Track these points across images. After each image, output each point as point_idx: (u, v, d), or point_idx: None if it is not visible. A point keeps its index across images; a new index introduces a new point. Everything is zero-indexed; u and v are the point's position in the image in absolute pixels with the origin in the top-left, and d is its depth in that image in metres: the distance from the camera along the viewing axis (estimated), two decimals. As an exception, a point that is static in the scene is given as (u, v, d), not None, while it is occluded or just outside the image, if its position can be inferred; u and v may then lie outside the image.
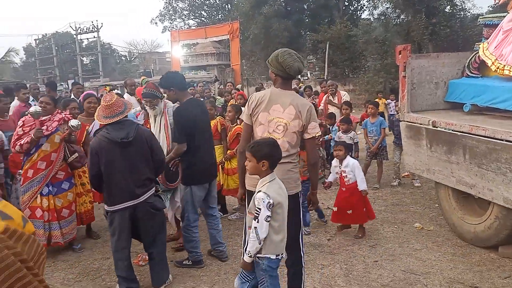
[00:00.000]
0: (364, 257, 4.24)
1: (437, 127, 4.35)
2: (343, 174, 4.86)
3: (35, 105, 4.96)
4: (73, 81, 19.09)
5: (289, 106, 2.96)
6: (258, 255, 2.70)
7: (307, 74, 34.63)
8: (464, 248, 4.34)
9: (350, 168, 4.79)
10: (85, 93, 5.75)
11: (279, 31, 26.70)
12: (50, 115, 4.50)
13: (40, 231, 4.30)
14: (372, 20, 28.08)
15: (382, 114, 9.83)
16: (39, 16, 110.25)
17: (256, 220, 2.62)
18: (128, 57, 55.54)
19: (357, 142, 6.89)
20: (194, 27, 38.04)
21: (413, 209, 5.68)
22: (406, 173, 6.93)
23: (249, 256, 2.69)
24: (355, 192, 4.73)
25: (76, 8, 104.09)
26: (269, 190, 2.64)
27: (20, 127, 4.42)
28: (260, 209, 2.61)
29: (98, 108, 3.58)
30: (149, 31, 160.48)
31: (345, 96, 7.90)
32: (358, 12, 31.27)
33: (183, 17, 43.73)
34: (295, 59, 2.95)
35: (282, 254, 2.77)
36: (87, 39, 43.81)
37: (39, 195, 4.38)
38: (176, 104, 4.31)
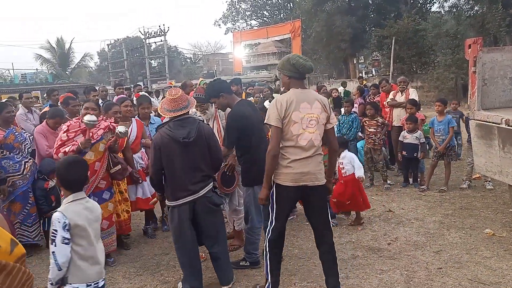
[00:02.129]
0: (427, 264, 4.01)
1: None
2: (340, 166, 5.02)
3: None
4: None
5: (315, 102, 3.23)
6: (65, 285, 2.41)
7: (372, 71, 33.57)
8: (542, 258, 3.97)
9: (348, 160, 4.96)
10: (119, 97, 5.64)
11: (342, 28, 26.17)
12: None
13: None
14: (443, 13, 26.70)
15: None
16: (110, 21, 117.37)
17: (53, 243, 2.33)
18: (192, 59, 57.34)
19: (424, 142, 6.55)
20: (256, 27, 38.50)
21: (484, 213, 5.28)
22: (477, 175, 6.46)
23: (51, 284, 2.38)
24: (352, 184, 4.95)
25: (146, 14, 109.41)
26: (67, 211, 2.41)
27: (64, 132, 4.18)
28: (56, 230, 2.34)
29: (162, 101, 3.62)
30: (212, 33, 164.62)
31: (413, 94, 7.33)
32: (427, 5, 29.83)
33: (246, 18, 44.49)
34: (305, 59, 3.27)
35: (97, 282, 2.49)
36: (155, 42, 45.62)
37: None
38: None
